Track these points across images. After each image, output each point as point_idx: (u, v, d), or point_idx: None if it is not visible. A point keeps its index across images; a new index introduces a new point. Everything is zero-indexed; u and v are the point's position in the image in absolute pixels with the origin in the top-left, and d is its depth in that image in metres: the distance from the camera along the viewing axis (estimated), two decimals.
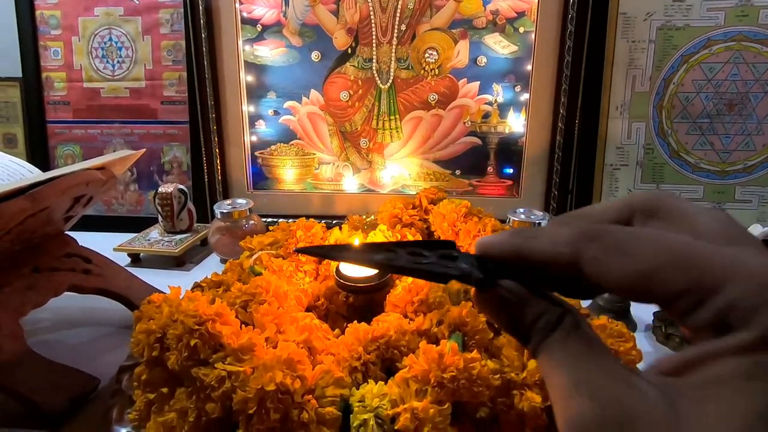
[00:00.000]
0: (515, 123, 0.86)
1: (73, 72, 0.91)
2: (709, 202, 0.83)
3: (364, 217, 0.76)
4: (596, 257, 0.15)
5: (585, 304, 0.61)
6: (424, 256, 0.19)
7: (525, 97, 0.85)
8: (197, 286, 0.59)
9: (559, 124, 0.82)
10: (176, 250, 0.78)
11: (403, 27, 0.85)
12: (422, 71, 0.86)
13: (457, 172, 0.89)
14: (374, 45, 0.86)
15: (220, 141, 0.89)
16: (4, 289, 0.50)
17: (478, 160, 0.88)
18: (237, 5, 0.85)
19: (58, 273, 0.57)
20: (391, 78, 0.87)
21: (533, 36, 0.82)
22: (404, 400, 0.35)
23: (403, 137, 0.89)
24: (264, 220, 0.86)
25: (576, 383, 0.15)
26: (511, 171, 0.88)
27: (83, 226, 0.94)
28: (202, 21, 0.84)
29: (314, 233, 0.59)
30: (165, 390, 0.37)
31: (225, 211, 0.79)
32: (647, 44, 0.80)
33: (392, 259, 0.19)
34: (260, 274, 0.56)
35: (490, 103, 0.86)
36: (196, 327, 0.36)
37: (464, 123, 0.87)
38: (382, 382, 0.37)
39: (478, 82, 0.85)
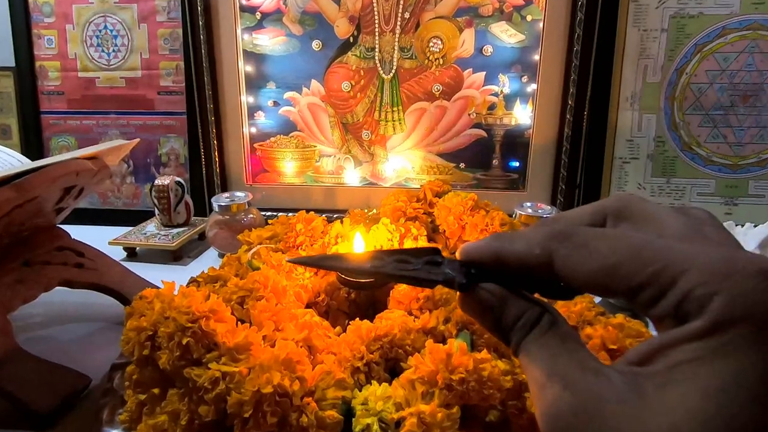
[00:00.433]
0: (522, 115, 0.84)
1: (68, 61, 0.89)
2: (721, 197, 0.81)
3: (366, 211, 0.74)
4: (566, 255, 0.16)
5: (597, 301, 0.59)
6: (411, 263, 0.20)
7: (532, 87, 0.82)
8: (193, 281, 0.57)
9: (568, 116, 0.80)
10: (173, 244, 0.76)
11: (407, 15, 0.82)
12: (426, 61, 0.84)
13: (462, 165, 0.87)
14: (377, 34, 0.83)
15: (219, 132, 0.87)
16: None
17: (483, 152, 0.86)
18: None
19: (49, 267, 0.55)
20: (394, 68, 0.84)
21: (541, 24, 0.79)
22: (410, 403, 0.32)
23: (406, 129, 0.87)
24: (263, 213, 0.84)
25: (550, 375, 0.16)
26: (517, 164, 0.86)
27: (77, 219, 0.92)
28: (199, 8, 0.81)
29: (315, 227, 0.57)
30: (156, 391, 0.35)
31: (223, 204, 0.77)
32: (659, 33, 0.77)
33: (380, 266, 0.20)
34: (258, 268, 0.54)
35: (495, 94, 0.84)
36: (189, 325, 0.33)
37: (469, 114, 0.85)
38: (386, 384, 0.35)
39: (484, 73, 0.83)
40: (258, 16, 0.84)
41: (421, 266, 0.20)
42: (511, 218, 0.58)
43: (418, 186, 0.77)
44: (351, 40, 0.84)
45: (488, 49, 0.82)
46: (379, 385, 0.35)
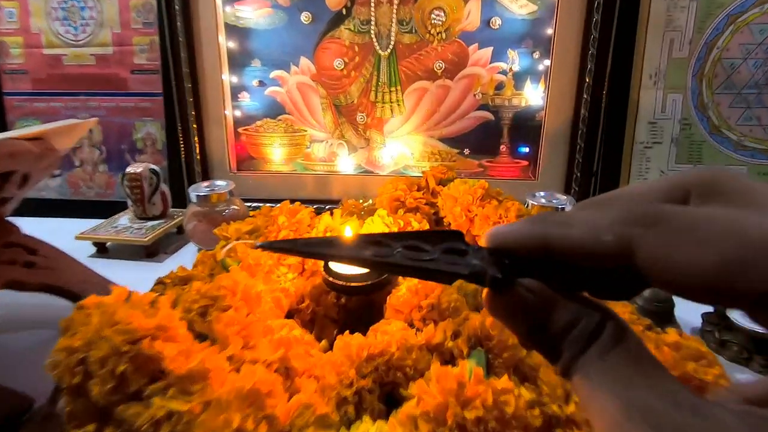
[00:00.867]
0: (533, 95, 0.76)
1: (31, 36, 0.81)
2: None
3: (361, 201, 0.66)
4: (658, 246, 0.13)
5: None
6: (425, 251, 0.16)
7: (545, 64, 0.74)
8: (159, 282, 0.50)
9: (584, 95, 0.72)
10: (146, 239, 0.69)
11: None
12: (427, 35, 0.75)
13: (466, 151, 0.80)
14: (372, 5, 0.75)
15: (198, 116, 0.79)
16: None
17: (489, 137, 0.79)
18: None
19: None
20: (392, 43, 0.76)
21: None
22: None
23: (405, 112, 0.79)
24: (248, 204, 0.76)
25: (628, 411, 0.12)
26: (527, 150, 0.78)
27: (43, 211, 0.85)
28: None
29: (300, 219, 0.49)
30: (91, 428, 0.28)
31: (201, 194, 0.69)
32: (688, 2, 0.69)
33: (385, 255, 0.16)
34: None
35: (504, 72, 0.76)
36: (126, 348, 0.26)
37: (474, 95, 0.77)
38: (382, 421, 0.27)
39: (491, 48, 0.75)
40: None
41: (438, 255, 0.15)
42: (527, 209, 0.50)
43: (419, 174, 0.69)
44: (344, 12, 0.76)
45: (496, 22, 0.74)
46: (373, 421, 0.27)
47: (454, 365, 0.32)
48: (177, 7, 0.73)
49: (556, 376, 0.30)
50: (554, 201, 0.64)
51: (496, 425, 0.25)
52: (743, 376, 0.44)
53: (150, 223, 0.73)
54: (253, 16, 0.77)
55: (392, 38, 0.76)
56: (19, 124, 0.84)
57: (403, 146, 0.81)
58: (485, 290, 0.15)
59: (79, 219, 0.78)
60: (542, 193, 0.66)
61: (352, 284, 0.39)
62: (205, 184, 0.72)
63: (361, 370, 0.30)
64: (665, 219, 0.13)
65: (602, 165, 0.76)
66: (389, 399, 0.31)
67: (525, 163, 0.79)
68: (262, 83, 0.80)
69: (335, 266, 0.42)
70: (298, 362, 0.32)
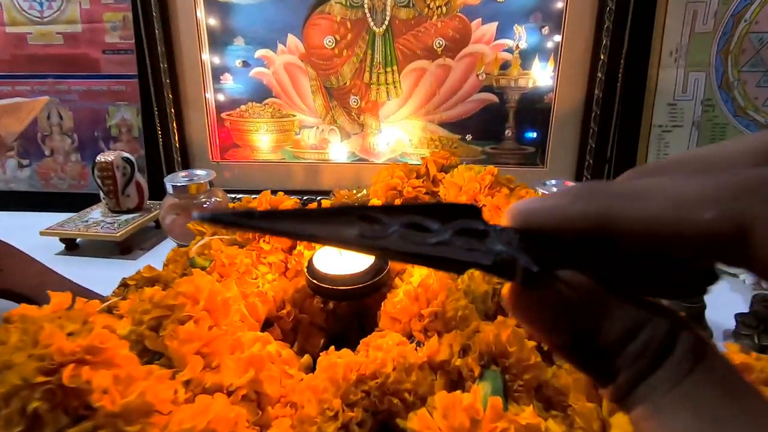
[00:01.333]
0: (541, 75, 0.70)
1: None
2: None
3: (355, 191, 0.60)
4: None
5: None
6: (431, 230, 0.12)
7: (555, 41, 0.68)
8: (123, 284, 0.44)
9: (598, 75, 0.66)
10: (117, 234, 0.62)
11: None
12: (426, 10, 0.69)
13: (468, 137, 0.74)
14: None
15: (176, 99, 0.73)
16: None
17: (494, 121, 0.73)
18: None
19: None
20: (387, 19, 0.70)
21: None
22: None
23: (402, 94, 0.73)
24: (232, 196, 0.70)
25: None
26: (534, 135, 0.72)
27: (10, 204, 0.79)
28: None
29: None
30: None
31: (179, 184, 0.62)
32: None
33: (377, 234, 0.11)
34: (205, 267, 0.40)
35: (509, 50, 0.69)
36: (40, 379, 0.20)
37: (477, 75, 0.71)
38: None
39: (496, 23, 0.69)
40: None
41: (448, 236, 0.12)
42: None
43: (418, 162, 0.63)
44: None
45: None
46: None
47: (463, 389, 0.26)
48: None
49: (589, 404, 0.24)
50: None
51: None
52: None
53: (124, 217, 0.67)
54: None
55: (387, 13, 0.70)
56: None
57: (400, 132, 0.75)
58: (508, 286, 0.12)
59: (50, 213, 0.72)
60: (553, 182, 0.60)
61: (341, 288, 0.33)
62: (183, 173, 0.66)
63: (349, 397, 0.25)
64: None
65: (617, 151, 0.70)
66: (384, 431, 0.26)
67: (532, 149, 0.73)
68: (246, 64, 0.73)
69: (320, 265, 0.36)
70: (272, 387, 0.26)
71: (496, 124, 0.73)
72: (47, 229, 0.64)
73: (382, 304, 0.33)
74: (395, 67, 0.72)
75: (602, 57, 0.65)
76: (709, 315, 0.48)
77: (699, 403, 0.10)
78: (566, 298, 0.11)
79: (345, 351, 0.27)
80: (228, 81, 0.74)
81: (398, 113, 0.74)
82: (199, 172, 0.66)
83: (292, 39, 0.72)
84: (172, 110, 0.72)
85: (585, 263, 0.12)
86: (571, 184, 0.60)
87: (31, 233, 0.64)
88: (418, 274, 0.33)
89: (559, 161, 0.72)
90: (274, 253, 0.41)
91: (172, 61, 0.71)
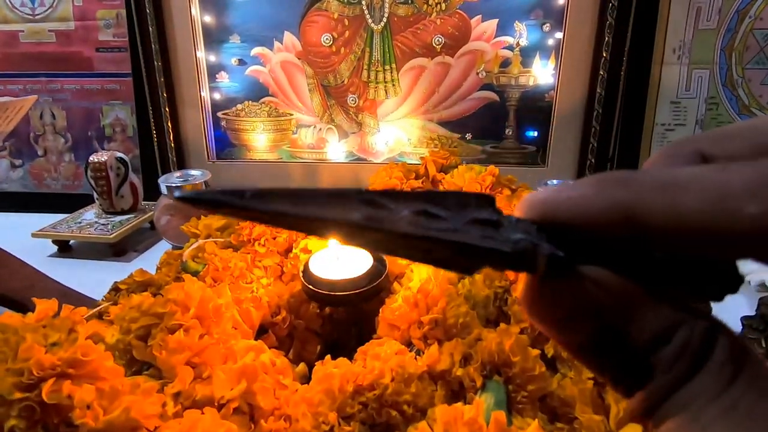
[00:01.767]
0: (542, 73, 0.69)
1: None
2: None
3: None
4: None
5: None
6: (441, 218, 0.10)
7: (556, 38, 0.67)
8: (114, 288, 0.43)
9: (600, 72, 0.65)
10: (111, 236, 0.61)
11: None
12: (425, 6, 0.68)
13: (468, 136, 0.73)
14: None
15: (171, 98, 0.71)
16: None
17: (494, 120, 0.72)
18: None
19: None
20: (386, 16, 0.69)
21: None
22: None
23: (400, 92, 0.72)
24: None
25: None
26: (535, 134, 0.71)
27: (3, 205, 0.77)
28: None
29: None
30: None
31: (173, 185, 0.61)
32: None
33: (383, 219, 0.10)
34: (197, 272, 0.39)
35: (510, 48, 0.68)
36: (17, 395, 0.19)
37: (477, 73, 0.70)
38: None
39: (496, 20, 0.68)
40: None
41: (461, 225, 0.10)
42: None
43: (417, 162, 0.62)
44: None
45: None
46: None
47: (464, 400, 0.25)
48: None
49: (597, 416, 0.23)
50: None
51: None
52: None
53: (118, 218, 0.66)
54: None
55: (386, 10, 0.69)
56: None
57: (398, 131, 0.74)
58: (523, 280, 0.11)
59: (43, 214, 0.71)
60: (555, 182, 0.59)
61: (337, 293, 0.32)
62: (178, 174, 0.64)
63: (345, 410, 0.24)
64: None
65: (619, 150, 0.69)
66: None
67: (533, 148, 0.72)
68: (242, 62, 0.72)
69: (317, 269, 0.35)
70: (265, 399, 0.25)
71: (497, 123, 0.72)
72: (40, 230, 0.63)
73: (381, 310, 0.32)
74: (394, 65, 0.71)
75: (604, 54, 0.64)
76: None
77: (748, 416, 0.09)
78: (590, 294, 0.10)
79: (342, 360, 0.26)
80: (224, 79, 0.73)
81: (397, 112, 0.73)
82: (194, 172, 0.65)
83: (288, 36, 0.71)
84: (167, 109, 0.71)
85: (605, 260, 0.10)
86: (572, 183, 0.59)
87: (23, 235, 0.63)
88: (417, 278, 0.32)
89: (561, 160, 0.71)
90: (270, 256, 0.40)
91: (166, 59, 0.70)
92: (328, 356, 0.27)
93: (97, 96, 0.75)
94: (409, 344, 0.29)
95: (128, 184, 0.67)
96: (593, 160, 0.69)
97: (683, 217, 0.09)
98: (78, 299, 0.46)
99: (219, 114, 0.75)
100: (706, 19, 0.64)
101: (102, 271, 0.61)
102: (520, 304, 0.11)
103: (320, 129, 0.75)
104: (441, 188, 0.45)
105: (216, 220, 0.46)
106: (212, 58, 0.72)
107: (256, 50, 0.72)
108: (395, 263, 0.37)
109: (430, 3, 0.68)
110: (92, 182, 0.65)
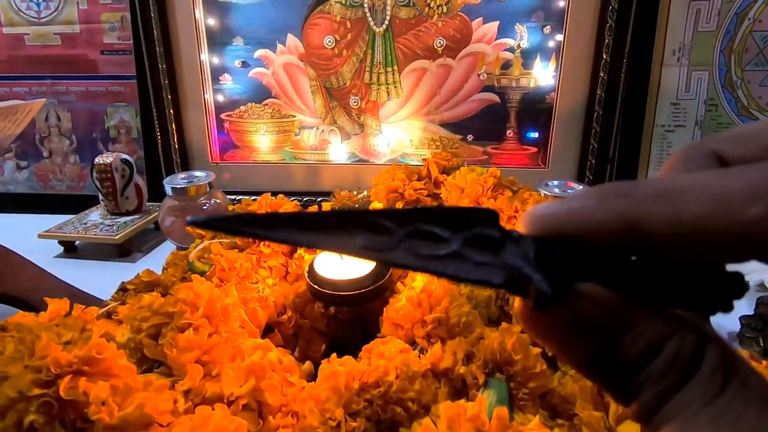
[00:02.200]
0: (543, 74, 0.69)
1: None
2: None
3: (355, 193, 0.60)
4: None
5: None
6: (440, 239, 0.11)
7: (557, 40, 0.67)
8: (121, 288, 0.43)
9: (601, 74, 0.65)
10: (116, 237, 0.62)
11: None
12: (426, 9, 0.68)
13: (470, 137, 0.73)
14: None
15: (175, 100, 0.72)
16: None
17: (495, 121, 0.72)
18: None
19: None
20: (388, 18, 0.69)
21: None
22: None
23: (402, 94, 0.72)
24: (232, 198, 0.69)
25: None
26: (536, 135, 0.72)
27: (9, 206, 0.78)
28: None
29: None
30: None
31: (178, 186, 0.62)
32: None
33: (382, 246, 0.11)
34: (204, 273, 0.39)
35: (511, 50, 0.69)
36: (36, 391, 0.19)
37: (479, 75, 0.70)
38: None
39: (497, 23, 0.68)
40: None
41: (459, 247, 0.11)
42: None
43: (419, 163, 0.63)
44: None
45: None
46: None
47: (467, 397, 0.25)
48: None
49: (597, 412, 0.24)
50: (569, 191, 0.58)
51: None
52: None
53: (123, 219, 0.66)
54: None
55: (387, 13, 0.69)
56: None
57: (400, 132, 0.75)
58: (518, 303, 0.11)
59: (49, 215, 0.72)
60: (555, 183, 0.60)
61: (342, 293, 0.33)
62: (183, 175, 0.65)
63: (351, 406, 0.24)
64: None
65: (619, 151, 0.69)
66: None
67: (534, 149, 0.73)
68: (245, 64, 0.73)
69: (321, 269, 0.36)
70: (273, 396, 0.25)
71: (498, 124, 0.72)
72: (46, 231, 0.64)
73: (385, 309, 0.32)
74: (395, 67, 0.72)
75: (605, 56, 0.65)
76: (714, 318, 0.48)
77: (737, 422, 0.09)
78: (584, 313, 0.11)
79: (347, 358, 0.27)
80: (227, 81, 0.74)
81: (399, 113, 0.74)
82: (198, 173, 0.65)
83: (291, 39, 0.71)
84: (171, 111, 0.72)
85: (606, 272, 0.11)
86: (572, 184, 0.59)
87: (29, 235, 0.64)
88: (420, 278, 0.33)
89: (561, 161, 0.71)
90: (275, 257, 0.41)
91: (170, 62, 0.70)
92: (334, 354, 0.28)
93: (102, 98, 0.75)
94: (412, 343, 0.30)
95: (133, 186, 0.67)
96: (594, 162, 0.69)
97: (686, 223, 0.09)
98: (85, 299, 0.46)
99: (222, 116, 0.75)
100: (706, 21, 0.64)
101: (108, 271, 0.62)
102: (517, 320, 0.12)
103: (323, 130, 0.75)
104: (444, 197, 0.46)
105: None
106: (216, 60, 0.73)
107: (259, 52, 0.72)
108: None
109: (431, 5, 0.69)
110: (97, 183, 0.66)
